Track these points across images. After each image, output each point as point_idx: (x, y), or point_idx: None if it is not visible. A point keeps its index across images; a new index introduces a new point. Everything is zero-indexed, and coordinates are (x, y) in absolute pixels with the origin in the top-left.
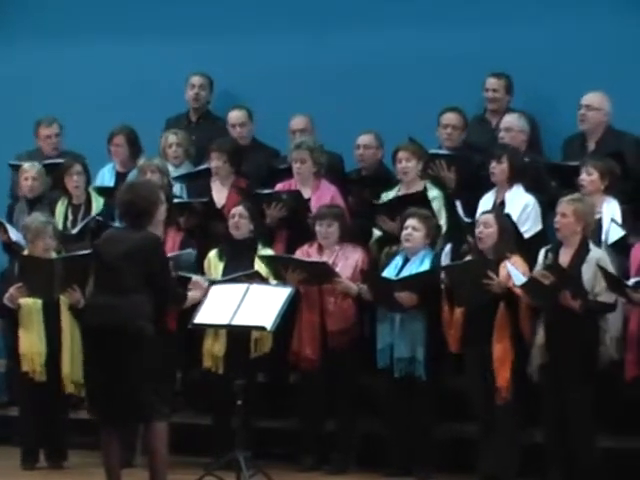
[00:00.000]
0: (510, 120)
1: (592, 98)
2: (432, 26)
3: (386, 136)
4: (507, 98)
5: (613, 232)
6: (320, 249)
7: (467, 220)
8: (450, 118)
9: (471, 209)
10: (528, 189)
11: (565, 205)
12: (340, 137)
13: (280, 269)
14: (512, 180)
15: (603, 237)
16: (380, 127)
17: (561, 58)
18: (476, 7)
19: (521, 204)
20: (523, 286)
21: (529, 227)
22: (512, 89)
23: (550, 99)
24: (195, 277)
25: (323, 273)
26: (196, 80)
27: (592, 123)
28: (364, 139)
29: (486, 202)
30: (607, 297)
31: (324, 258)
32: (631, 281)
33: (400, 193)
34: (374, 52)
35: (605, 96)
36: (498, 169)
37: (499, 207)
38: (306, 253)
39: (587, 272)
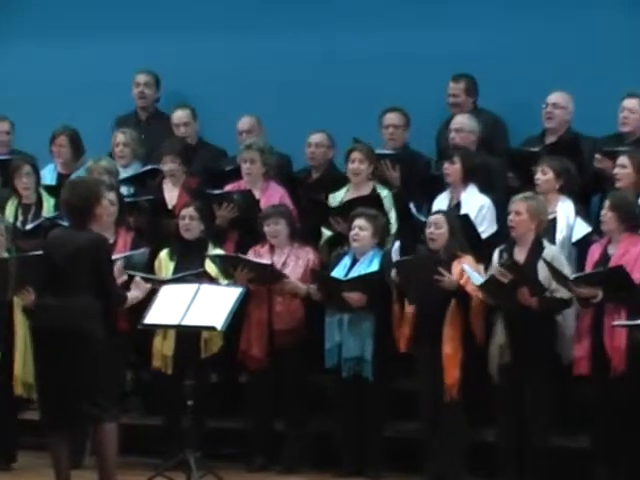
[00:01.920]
0: (461, 121)
1: (559, 97)
2: (392, 26)
3: (334, 136)
4: (470, 100)
5: (579, 228)
6: (271, 249)
7: (424, 219)
8: (391, 118)
9: (420, 208)
10: (482, 190)
11: (519, 203)
12: (288, 137)
13: (229, 268)
14: (465, 180)
15: (558, 236)
16: (328, 127)
17: (527, 59)
18: (439, 8)
19: (477, 205)
20: (482, 286)
21: (485, 228)
22: (475, 90)
23: (517, 100)
24: (137, 277)
25: (270, 274)
26: (141, 78)
27: (558, 122)
28: (316, 138)
29: (440, 203)
30: (563, 293)
31: (275, 258)
32: (573, 275)
33: (350, 194)
34: (324, 52)
35: (570, 96)
36: (451, 170)
37: (454, 208)
38: (257, 253)
39: (542, 269)
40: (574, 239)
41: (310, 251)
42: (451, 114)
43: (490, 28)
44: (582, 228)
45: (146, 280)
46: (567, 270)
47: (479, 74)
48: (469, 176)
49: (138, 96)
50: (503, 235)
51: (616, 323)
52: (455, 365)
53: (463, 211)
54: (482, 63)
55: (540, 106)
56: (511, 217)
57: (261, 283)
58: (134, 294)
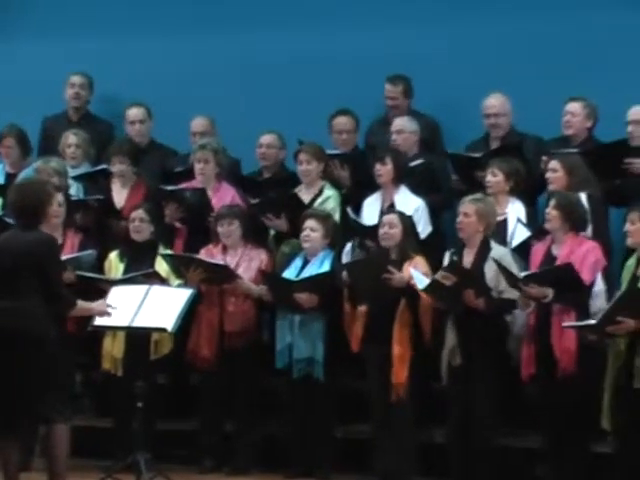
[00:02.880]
0: (401, 123)
1: (497, 103)
2: (334, 28)
3: (286, 137)
4: (407, 102)
5: (519, 233)
6: (224, 250)
7: (365, 224)
8: (341, 122)
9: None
10: (415, 191)
11: (467, 205)
12: (238, 139)
13: (181, 268)
14: (397, 181)
15: (509, 237)
16: (279, 128)
17: (462, 60)
18: (378, 9)
19: (412, 207)
20: (426, 290)
21: (420, 230)
22: (411, 92)
23: (452, 101)
24: (101, 303)
25: (224, 275)
26: (76, 79)
27: (503, 129)
28: (267, 138)
29: (371, 204)
30: (511, 294)
31: (228, 259)
32: (522, 274)
33: (303, 194)
34: (273, 53)
35: (505, 97)
36: (383, 171)
37: (388, 209)
38: (210, 253)
39: (490, 270)
40: (514, 244)
41: (263, 252)
42: (384, 113)
43: (426, 29)
44: (522, 233)
45: (95, 280)
46: (516, 270)
47: (414, 75)
48: (402, 177)
49: (72, 97)
50: (449, 235)
51: (566, 324)
52: (404, 365)
53: None
54: (417, 64)
55: (476, 108)
56: (459, 219)
57: (214, 283)
58: (89, 306)
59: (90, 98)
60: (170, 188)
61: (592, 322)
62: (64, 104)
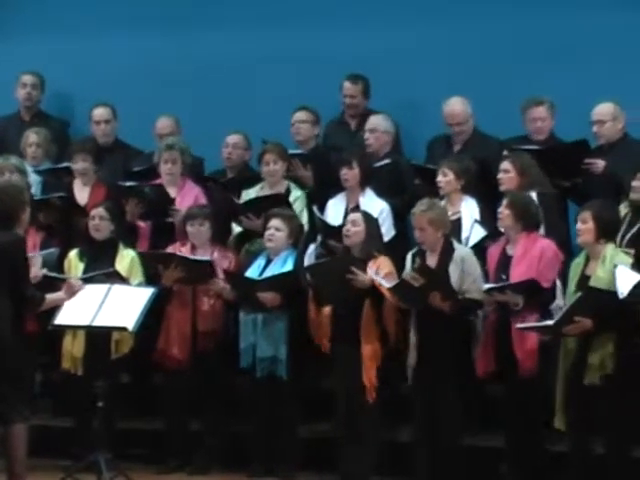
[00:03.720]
0: (375, 121)
1: (458, 114)
2: (295, 26)
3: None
4: (365, 102)
5: (475, 233)
6: (193, 249)
7: (331, 224)
8: (298, 116)
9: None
10: (380, 194)
11: (419, 218)
12: (200, 138)
13: (155, 267)
14: (363, 184)
15: (464, 236)
16: (241, 128)
17: (421, 60)
18: (340, 10)
19: (376, 210)
20: (392, 289)
21: (384, 232)
22: (369, 92)
23: (411, 101)
24: (72, 280)
25: (204, 273)
26: (28, 79)
27: (466, 134)
28: (234, 139)
29: (335, 205)
30: (475, 294)
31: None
32: (485, 287)
33: (263, 192)
34: (237, 53)
35: (465, 102)
36: (350, 174)
37: (352, 209)
38: (179, 252)
39: (454, 271)
40: (471, 244)
41: (230, 253)
42: (341, 112)
43: (386, 29)
44: (478, 233)
45: (57, 280)
46: (479, 270)
47: (373, 75)
48: (368, 180)
49: (24, 97)
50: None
51: (521, 326)
52: (373, 365)
53: None
54: (377, 64)
55: (435, 108)
56: (417, 234)
57: (189, 283)
58: (59, 296)
59: (42, 97)
60: (129, 184)
61: (549, 323)
62: (17, 104)
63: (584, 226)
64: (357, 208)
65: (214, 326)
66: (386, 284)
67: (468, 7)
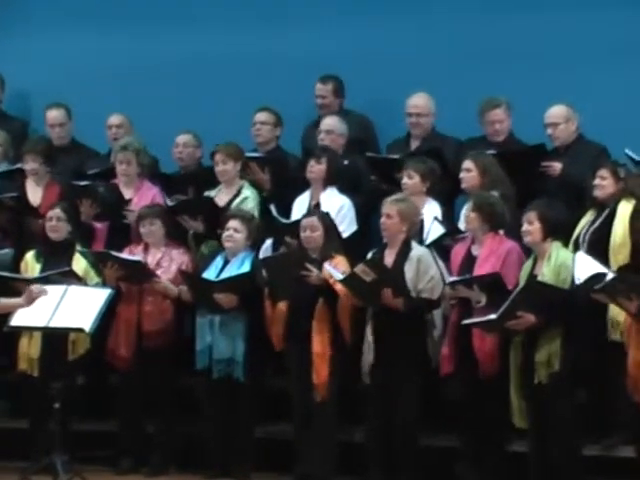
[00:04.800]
0: (330, 123)
1: (420, 103)
2: (256, 25)
3: (205, 136)
4: (337, 101)
5: (434, 230)
6: (146, 249)
7: (285, 221)
8: (258, 116)
9: (286, 209)
10: (342, 190)
11: (389, 206)
12: (157, 138)
13: (100, 265)
14: (328, 182)
15: (426, 236)
16: (199, 127)
17: (392, 60)
18: (307, 9)
19: (336, 205)
20: (343, 281)
21: (345, 228)
22: (342, 91)
23: (381, 100)
24: (34, 286)
25: (140, 272)
26: None
27: (425, 129)
28: (183, 138)
29: (301, 203)
30: (430, 294)
31: (149, 258)
32: (448, 280)
33: (220, 193)
34: (193, 52)
35: (429, 97)
36: (316, 169)
37: (314, 208)
38: (132, 253)
39: (409, 270)
40: (428, 241)
41: (184, 252)
42: (318, 115)
43: (356, 28)
44: (437, 230)
45: (11, 280)
46: (435, 270)
47: (345, 74)
48: (333, 178)
49: None
50: (372, 234)
51: (466, 321)
52: (324, 364)
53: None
54: (348, 63)
55: (404, 106)
56: (382, 220)
57: (132, 282)
58: (18, 302)
59: (2, 97)
60: (83, 183)
61: (492, 317)
62: None
63: (530, 226)
64: (318, 206)
65: (161, 326)
66: (338, 277)
67: (438, 6)
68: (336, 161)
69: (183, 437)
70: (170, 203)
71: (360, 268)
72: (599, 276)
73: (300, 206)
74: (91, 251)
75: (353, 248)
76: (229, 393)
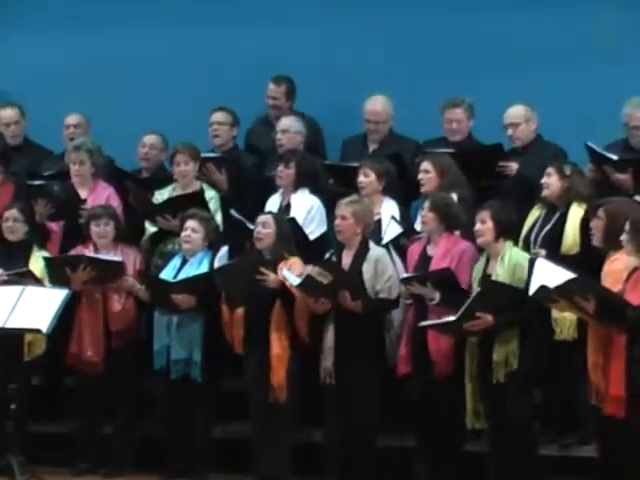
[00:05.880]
0: (287, 122)
1: (379, 111)
2: (211, 26)
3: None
4: (288, 103)
5: (391, 229)
6: (96, 250)
7: (249, 225)
8: (215, 117)
9: (249, 210)
10: (313, 191)
11: (344, 207)
12: (115, 138)
13: (63, 270)
14: (298, 184)
15: (383, 236)
16: (156, 128)
17: (343, 61)
18: (263, 10)
19: (306, 206)
20: (300, 287)
21: (314, 229)
22: (294, 94)
23: (334, 103)
24: None
25: (113, 272)
26: None
27: (382, 133)
28: (151, 139)
29: (272, 204)
30: (388, 294)
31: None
32: (402, 276)
33: (175, 193)
34: (151, 52)
35: (387, 101)
36: (285, 173)
37: (285, 209)
38: (84, 253)
39: (367, 271)
40: (385, 240)
41: (135, 252)
42: (265, 114)
43: (309, 29)
44: (394, 229)
45: None
46: (393, 270)
47: (299, 78)
48: (303, 180)
49: None
50: (332, 236)
51: (423, 323)
52: (282, 366)
53: (293, 212)
54: (302, 66)
55: (359, 110)
56: (337, 221)
57: (99, 283)
58: None
59: None
60: (37, 183)
61: (451, 319)
62: None
63: (483, 226)
64: (288, 207)
65: (127, 326)
66: (294, 282)
67: (395, 7)
68: (305, 163)
69: (140, 438)
70: (156, 202)
71: (316, 271)
72: (547, 288)
73: (271, 207)
74: (60, 256)
75: (320, 249)
76: (187, 393)
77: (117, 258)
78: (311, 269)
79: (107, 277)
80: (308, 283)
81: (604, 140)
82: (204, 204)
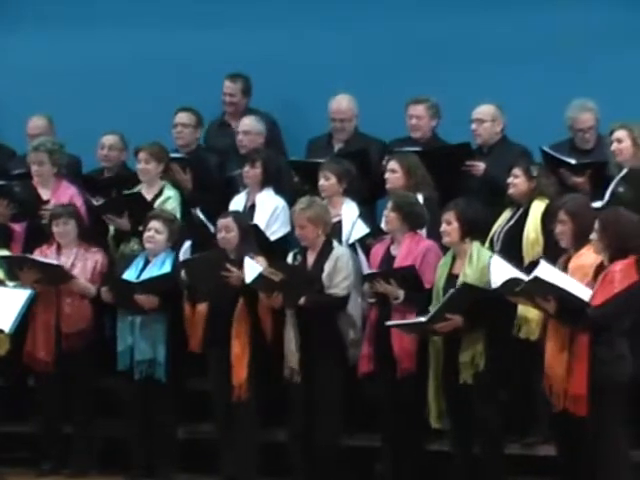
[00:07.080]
0: (248, 123)
1: (344, 110)
2: (173, 26)
3: (126, 136)
4: (245, 100)
5: (358, 229)
6: (59, 249)
7: (212, 228)
8: (179, 117)
9: (211, 210)
10: (278, 191)
11: (298, 216)
12: (79, 137)
13: (15, 269)
14: (264, 184)
15: (344, 237)
16: (121, 127)
17: (303, 58)
18: (221, 9)
19: (271, 206)
20: (253, 283)
21: (277, 229)
22: (250, 91)
23: (292, 100)
24: None
25: (58, 275)
26: None
27: (348, 132)
28: (109, 140)
29: (237, 204)
30: (338, 290)
31: (62, 259)
32: (365, 272)
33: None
34: (114, 52)
35: (352, 100)
36: (251, 173)
37: (250, 209)
38: (44, 254)
39: (327, 268)
40: (352, 240)
41: (98, 252)
42: (222, 113)
43: (268, 29)
44: (361, 229)
45: None
46: (350, 269)
47: (255, 75)
48: (269, 180)
49: None
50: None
51: (390, 323)
52: (243, 365)
53: (257, 212)
54: (259, 64)
55: (317, 108)
56: (297, 232)
57: (49, 284)
58: None
59: None
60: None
61: (421, 320)
62: None
63: (449, 227)
64: (253, 207)
65: (79, 327)
66: (246, 280)
67: (355, 6)
68: (271, 161)
69: (105, 438)
70: (96, 203)
71: (267, 270)
72: (515, 280)
73: (236, 207)
74: (7, 256)
75: (285, 248)
76: (151, 394)
77: (55, 262)
78: (263, 268)
79: (53, 279)
80: (261, 281)
81: (551, 140)
82: (146, 204)
